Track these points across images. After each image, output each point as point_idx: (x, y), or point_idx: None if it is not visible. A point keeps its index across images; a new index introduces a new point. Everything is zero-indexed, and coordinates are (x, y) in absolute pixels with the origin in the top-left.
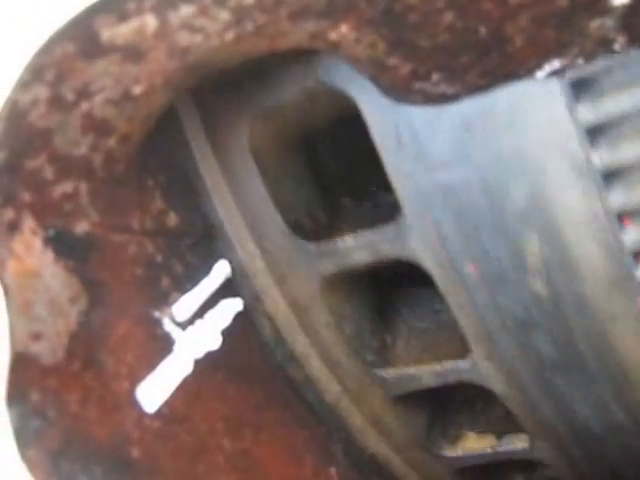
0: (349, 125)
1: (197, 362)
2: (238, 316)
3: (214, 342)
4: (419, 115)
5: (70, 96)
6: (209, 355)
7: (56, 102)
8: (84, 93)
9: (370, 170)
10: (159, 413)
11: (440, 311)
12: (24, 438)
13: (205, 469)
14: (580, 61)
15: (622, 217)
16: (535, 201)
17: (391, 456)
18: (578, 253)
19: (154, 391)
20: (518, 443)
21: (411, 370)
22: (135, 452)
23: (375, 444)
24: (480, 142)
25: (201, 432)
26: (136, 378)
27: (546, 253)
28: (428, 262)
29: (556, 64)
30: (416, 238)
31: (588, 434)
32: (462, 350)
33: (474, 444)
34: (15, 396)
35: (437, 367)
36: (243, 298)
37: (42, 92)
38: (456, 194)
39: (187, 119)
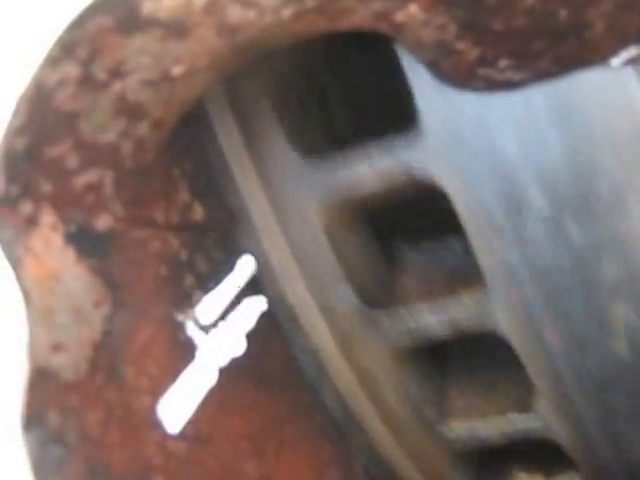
0: None
1: (221, 371)
2: (261, 317)
3: (238, 347)
4: None
5: (102, 75)
6: (231, 362)
7: (86, 82)
8: (118, 72)
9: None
10: (183, 434)
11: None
12: (44, 469)
13: None
14: None
15: None
16: (628, 272)
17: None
18: None
19: (177, 407)
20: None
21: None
22: None
23: (405, 468)
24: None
25: (225, 454)
26: (157, 392)
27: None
28: (513, 335)
29: (634, 51)
30: (500, 311)
31: None
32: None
33: None
34: (34, 419)
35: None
36: (266, 296)
37: (72, 71)
38: (549, 273)
39: (215, 106)
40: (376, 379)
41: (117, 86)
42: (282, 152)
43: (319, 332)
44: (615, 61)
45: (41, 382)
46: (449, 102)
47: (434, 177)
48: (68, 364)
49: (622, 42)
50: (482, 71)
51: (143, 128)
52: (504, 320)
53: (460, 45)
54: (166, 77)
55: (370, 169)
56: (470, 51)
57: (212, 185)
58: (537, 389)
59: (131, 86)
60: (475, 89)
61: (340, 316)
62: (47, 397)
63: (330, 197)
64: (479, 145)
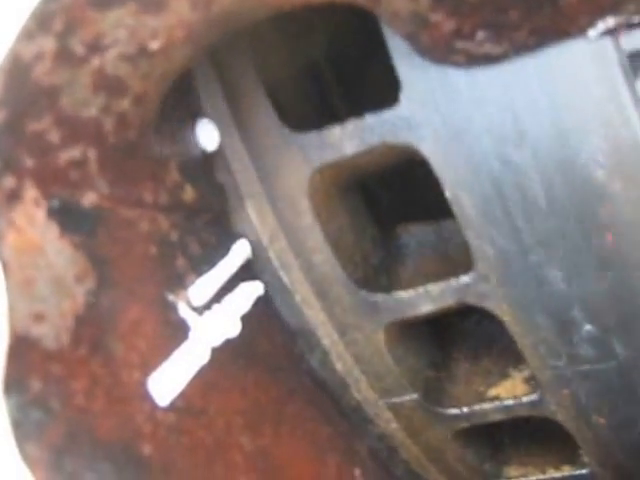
0: None
1: (214, 350)
2: (258, 301)
3: (233, 329)
4: None
5: (80, 50)
6: (227, 343)
7: (64, 56)
8: (95, 47)
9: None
10: (173, 406)
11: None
12: (23, 432)
13: (222, 468)
14: (636, 19)
15: None
16: None
17: (428, 466)
18: None
19: (167, 382)
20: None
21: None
22: (147, 449)
23: (408, 448)
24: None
25: (218, 427)
26: (148, 367)
27: None
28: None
29: (611, 22)
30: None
31: None
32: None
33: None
34: (14, 384)
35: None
36: (264, 282)
37: (48, 44)
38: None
39: (204, 83)
40: (372, 359)
41: (96, 61)
42: (273, 129)
43: (316, 317)
44: (592, 32)
45: (22, 350)
46: (431, 73)
47: (414, 144)
48: (49, 334)
49: (599, 12)
50: (460, 44)
51: (124, 103)
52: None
53: (434, 16)
54: (144, 51)
55: (357, 143)
56: (445, 23)
57: (203, 167)
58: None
59: (110, 61)
60: (455, 64)
61: (335, 299)
62: (29, 364)
63: (320, 172)
64: (460, 120)
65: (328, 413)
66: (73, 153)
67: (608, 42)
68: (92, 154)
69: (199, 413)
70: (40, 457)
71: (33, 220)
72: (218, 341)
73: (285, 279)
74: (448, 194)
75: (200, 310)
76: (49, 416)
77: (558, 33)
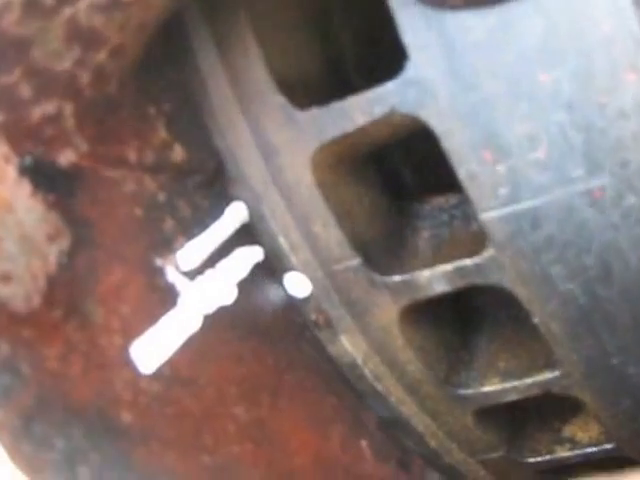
0: None
1: (208, 318)
2: (259, 268)
3: (228, 296)
4: None
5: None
6: (222, 310)
7: (33, 6)
8: None
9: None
10: (159, 374)
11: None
12: None
13: (212, 439)
14: None
15: None
16: None
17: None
18: None
19: (152, 349)
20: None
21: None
22: (125, 416)
23: (422, 423)
24: None
25: (209, 397)
26: (131, 333)
27: None
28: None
29: None
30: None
31: None
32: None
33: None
34: None
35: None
36: (263, 246)
37: None
38: None
39: (198, 40)
40: (384, 338)
41: (67, 10)
42: (269, 96)
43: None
44: None
45: None
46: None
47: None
48: (17, 294)
49: None
50: None
51: (101, 56)
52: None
53: None
54: (117, 1)
55: (362, 114)
56: None
57: (195, 126)
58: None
59: (82, 10)
60: (453, 7)
61: (343, 279)
62: None
63: (321, 145)
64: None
65: (332, 384)
66: (47, 108)
67: None
68: (68, 109)
69: (187, 382)
70: (7, 422)
71: (2, 177)
72: (211, 308)
73: (283, 244)
74: None
75: (192, 275)
76: (18, 380)
77: None
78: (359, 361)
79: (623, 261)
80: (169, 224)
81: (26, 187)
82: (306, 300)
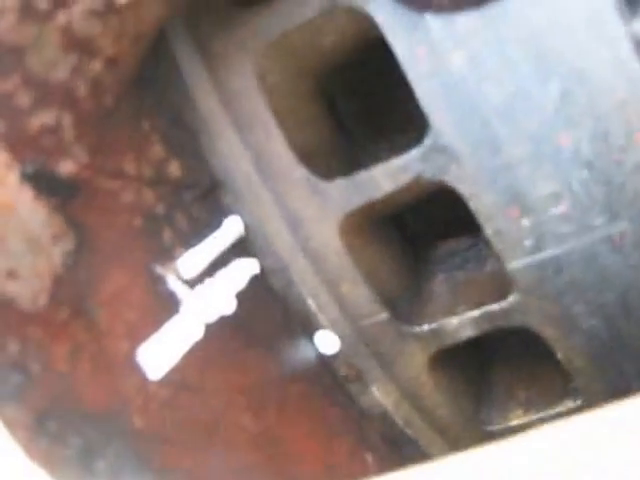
0: None
1: (210, 326)
2: (258, 279)
3: (227, 305)
4: None
5: (44, 4)
6: (225, 320)
7: (28, 12)
8: (60, 1)
9: None
10: (168, 380)
11: None
12: (3, 395)
13: (222, 446)
14: None
15: None
16: None
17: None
18: None
19: (158, 355)
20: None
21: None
22: (137, 421)
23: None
24: None
25: (217, 405)
26: (136, 338)
27: None
28: None
29: None
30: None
31: None
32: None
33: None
34: None
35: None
36: (261, 260)
37: None
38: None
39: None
40: (414, 385)
41: (62, 17)
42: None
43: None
44: None
45: None
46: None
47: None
48: (24, 293)
49: None
50: None
51: (97, 66)
52: None
53: None
54: (111, 7)
55: (388, 182)
56: None
57: (190, 143)
58: None
59: (77, 17)
60: (439, 9)
61: (371, 333)
62: (5, 325)
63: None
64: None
65: (335, 395)
66: (45, 118)
67: None
68: (67, 120)
69: (197, 389)
70: (21, 420)
71: (4, 181)
72: (212, 317)
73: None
74: None
75: (191, 284)
76: (29, 380)
77: None
78: (390, 409)
79: None
80: (168, 234)
81: (28, 192)
82: (335, 356)
